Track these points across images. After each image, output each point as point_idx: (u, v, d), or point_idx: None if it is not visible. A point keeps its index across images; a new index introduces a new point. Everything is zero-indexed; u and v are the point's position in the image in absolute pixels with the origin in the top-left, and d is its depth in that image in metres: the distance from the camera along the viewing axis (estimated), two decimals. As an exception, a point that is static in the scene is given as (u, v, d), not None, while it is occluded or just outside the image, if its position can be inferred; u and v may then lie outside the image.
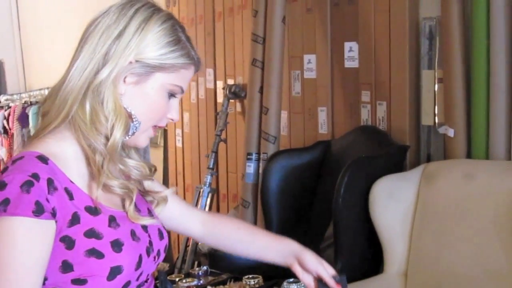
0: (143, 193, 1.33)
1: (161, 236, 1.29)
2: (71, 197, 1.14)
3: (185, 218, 1.52)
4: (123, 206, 1.24)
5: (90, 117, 1.17)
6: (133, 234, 1.21)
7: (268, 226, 3.23)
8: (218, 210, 4.12)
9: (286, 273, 2.45)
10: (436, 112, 2.96)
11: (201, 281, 2.37)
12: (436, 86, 2.94)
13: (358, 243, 2.81)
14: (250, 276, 2.42)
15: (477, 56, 2.73)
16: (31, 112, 5.30)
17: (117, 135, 1.18)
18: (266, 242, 1.52)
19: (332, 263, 2.76)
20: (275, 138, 3.37)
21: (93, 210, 1.17)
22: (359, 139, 3.15)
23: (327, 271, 1.44)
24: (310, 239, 3.14)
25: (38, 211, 1.08)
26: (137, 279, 1.21)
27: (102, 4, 1.26)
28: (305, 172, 3.27)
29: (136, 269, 1.19)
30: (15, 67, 6.39)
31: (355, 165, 2.77)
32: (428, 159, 3.00)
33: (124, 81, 1.20)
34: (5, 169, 1.13)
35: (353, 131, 3.23)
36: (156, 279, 1.32)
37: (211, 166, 3.78)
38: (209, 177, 3.75)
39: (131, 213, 1.23)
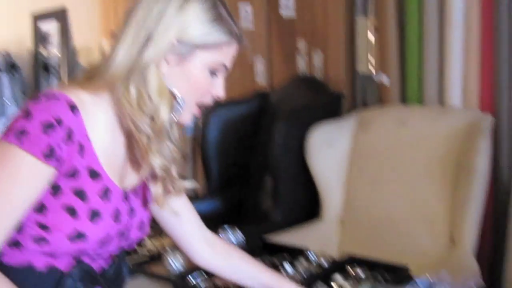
0: (163, 178, 1.29)
1: (141, 228, 1.29)
2: (81, 153, 1.14)
3: (192, 230, 1.47)
4: (123, 180, 1.24)
5: (136, 98, 1.17)
6: (117, 214, 1.21)
7: (208, 178, 3.23)
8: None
9: (229, 222, 2.48)
10: (371, 60, 2.98)
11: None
12: (371, 35, 2.96)
13: (296, 191, 2.84)
14: None
15: (410, 5, 2.75)
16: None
17: (163, 115, 1.17)
18: (270, 281, 1.49)
19: (271, 212, 2.81)
20: (213, 90, 3.35)
21: (94, 174, 1.17)
22: (296, 89, 3.16)
23: None
24: (250, 189, 3.17)
25: (49, 155, 1.09)
26: (96, 254, 1.22)
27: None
28: (244, 124, 3.28)
29: (100, 246, 1.19)
30: None
31: (291, 115, 2.79)
32: (364, 107, 3.04)
33: (167, 61, 1.19)
34: (38, 99, 1.13)
35: (291, 81, 3.24)
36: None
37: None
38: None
39: (158, 196, 1.26)
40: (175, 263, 2.08)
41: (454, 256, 2.35)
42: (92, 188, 1.16)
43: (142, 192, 1.31)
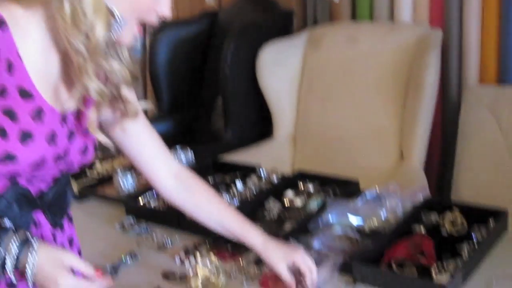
0: (113, 99, 1.19)
1: (84, 153, 1.22)
2: (10, 71, 1.07)
3: (157, 159, 1.38)
4: (62, 102, 1.16)
5: (70, 13, 1.06)
6: (52, 136, 1.14)
7: (159, 100, 3.19)
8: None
9: (181, 144, 2.46)
10: (321, -24, 2.92)
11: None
12: (322, -51, 2.89)
13: (247, 110, 2.83)
14: None
15: None
16: None
17: (98, 33, 1.07)
18: (233, 227, 1.40)
19: (223, 132, 2.80)
20: (160, 10, 3.25)
21: (25, 94, 1.09)
22: (246, 8, 3.10)
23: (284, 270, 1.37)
24: (201, 110, 3.14)
25: None
26: (33, 176, 1.16)
27: None
28: (192, 44, 3.21)
29: (35, 169, 1.13)
30: None
31: (240, 34, 2.74)
32: (315, 25, 3.00)
33: None
34: None
35: (240, 0, 3.16)
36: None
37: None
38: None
39: (91, 123, 1.17)
40: (125, 184, 2.07)
41: (403, 170, 2.40)
42: (22, 108, 1.09)
43: (85, 115, 1.22)
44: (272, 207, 1.88)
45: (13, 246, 1.07)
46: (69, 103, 1.17)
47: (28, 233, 1.10)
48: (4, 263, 1.07)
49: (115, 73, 1.15)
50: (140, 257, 1.70)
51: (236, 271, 1.58)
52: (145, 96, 3.35)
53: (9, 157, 1.08)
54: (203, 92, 3.17)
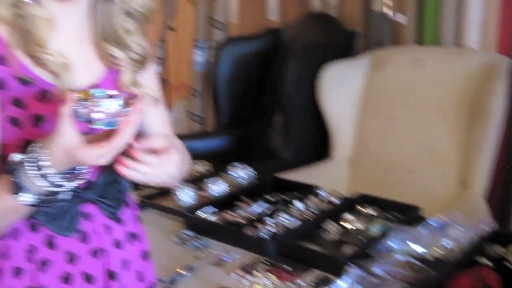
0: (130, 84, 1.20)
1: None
2: (2, 62, 1.07)
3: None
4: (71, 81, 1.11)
5: None
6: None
7: (218, 114, 3.21)
8: (167, 100, 4.07)
9: (238, 159, 2.47)
10: (387, -2, 2.91)
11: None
12: (389, -29, 2.88)
13: (307, 130, 2.81)
14: (197, 161, 2.42)
15: None
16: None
17: None
18: None
19: (281, 149, 2.80)
20: (224, 25, 3.29)
21: (24, 80, 1.09)
22: (309, 26, 3.10)
23: None
24: (260, 126, 3.15)
25: None
26: None
27: None
28: (255, 60, 3.23)
29: None
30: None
31: (303, 52, 2.74)
32: (379, 46, 2.98)
33: None
34: None
35: (304, 18, 3.16)
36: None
37: (159, 56, 3.69)
38: (157, 67, 3.67)
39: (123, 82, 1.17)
40: (185, 197, 2.08)
41: (464, 198, 2.34)
42: (26, 94, 1.08)
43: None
44: (331, 228, 1.86)
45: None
46: (84, 80, 1.15)
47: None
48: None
49: (135, 48, 1.17)
50: (197, 271, 1.70)
51: (294, 291, 1.56)
52: (205, 111, 3.37)
53: (29, 144, 1.04)
54: (263, 109, 3.17)
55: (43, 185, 0.99)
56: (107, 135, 0.98)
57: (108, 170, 1.19)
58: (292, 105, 2.74)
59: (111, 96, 0.96)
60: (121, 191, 1.22)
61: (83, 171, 1.02)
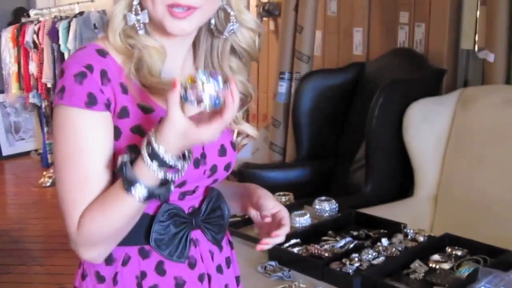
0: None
1: (222, 153, 1.21)
2: (124, 92, 1.12)
3: None
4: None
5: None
6: None
7: (299, 146, 3.22)
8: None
9: (317, 192, 2.48)
10: (476, 36, 2.87)
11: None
12: (479, 9, 2.84)
13: (389, 165, 2.79)
14: (281, 193, 2.42)
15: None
16: (61, 27, 5.28)
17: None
18: (236, 190, 1.34)
19: (362, 184, 2.77)
20: (309, 58, 3.32)
21: (145, 108, 1.13)
22: (394, 62, 3.09)
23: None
24: (340, 160, 3.14)
25: (91, 102, 1.07)
26: (179, 186, 1.15)
27: None
28: (337, 93, 3.23)
29: (179, 184, 1.13)
30: (45, -19, 6.34)
31: (390, 87, 2.72)
32: (466, 84, 2.94)
33: None
34: (70, 56, 1.13)
35: (389, 53, 3.16)
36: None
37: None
38: (239, 96, 3.72)
39: None
40: (269, 227, 2.08)
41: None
42: (147, 122, 1.12)
43: None
44: (418, 267, 1.83)
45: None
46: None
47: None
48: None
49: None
50: (282, 302, 1.70)
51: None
52: (285, 141, 3.39)
53: None
54: (344, 142, 3.17)
55: (157, 175, 1.02)
56: (212, 113, 1.02)
57: (212, 197, 1.22)
58: (376, 140, 2.72)
59: (211, 75, 1.00)
60: (223, 217, 1.24)
61: (192, 153, 1.07)
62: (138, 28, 1.13)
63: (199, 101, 1.01)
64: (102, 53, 1.11)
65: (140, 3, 1.13)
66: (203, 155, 1.18)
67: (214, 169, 1.20)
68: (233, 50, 1.23)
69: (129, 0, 1.13)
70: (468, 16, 2.90)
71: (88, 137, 1.08)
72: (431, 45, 3.03)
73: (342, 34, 3.48)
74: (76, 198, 1.06)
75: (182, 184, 1.15)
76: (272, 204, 1.23)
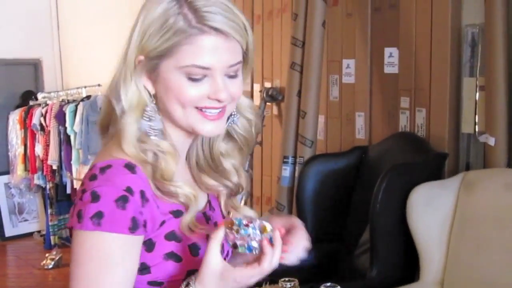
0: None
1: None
2: (158, 205, 1.12)
3: None
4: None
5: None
6: (208, 237, 1.17)
7: (303, 230, 3.22)
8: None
9: (322, 276, 2.46)
10: (476, 120, 2.92)
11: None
12: (477, 93, 2.91)
13: (394, 250, 2.78)
14: (286, 279, 2.40)
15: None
16: (68, 110, 5.37)
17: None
18: None
19: (367, 269, 2.76)
20: (312, 142, 3.37)
21: (175, 212, 1.14)
22: (397, 146, 3.13)
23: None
24: (345, 244, 3.13)
25: (134, 227, 1.05)
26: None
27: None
28: (341, 177, 3.26)
29: None
30: (52, 65, 6.49)
31: (393, 171, 2.75)
32: (467, 168, 2.97)
33: (148, 78, 1.14)
34: (93, 176, 1.09)
35: (391, 137, 3.21)
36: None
37: (246, 169, 3.78)
38: (244, 179, 3.75)
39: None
40: None
41: None
42: (179, 226, 1.13)
43: (215, 206, 1.29)
44: None
45: None
46: (202, 201, 1.24)
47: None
48: None
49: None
50: None
51: None
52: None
53: (192, 273, 1.11)
54: (348, 226, 3.17)
55: None
56: (255, 258, 1.06)
57: None
58: (380, 224, 2.72)
59: (247, 224, 1.07)
60: None
61: None
62: (150, 134, 1.13)
63: (235, 246, 1.08)
64: (131, 168, 1.10)
65: (154, 109, 1.14)
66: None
67: None
68: (228, 134, 1.26)
69: (141, 108, 1.13)
70: (467, 101, 2.96)
71: (119, 263, 1.06)
72: (432, 130, 3.08)
73: (344, 119, 3.54)
74: None
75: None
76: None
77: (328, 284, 2.23)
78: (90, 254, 1.05)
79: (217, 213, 1.28)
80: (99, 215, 1.04)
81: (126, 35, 1.15)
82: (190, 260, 1.14)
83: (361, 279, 2.76)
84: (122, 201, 1.05)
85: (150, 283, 1.13)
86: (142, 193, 1.08)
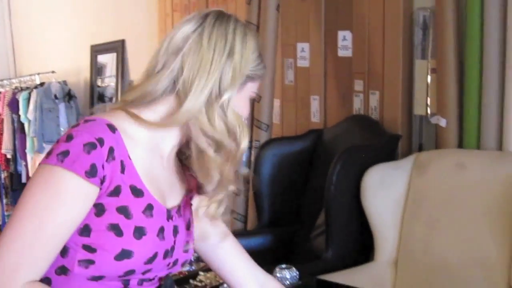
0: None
1: (186, 250, 1.30)
2: (122, 170, 1.16)
3: (242, 270, 1.46)
4: (165, 200, 1.26)
5: (220, 126, 1.22)
6: (161, 231, 1.21)
7: (260, 214, 3.24)
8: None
9: (279, 259, 2.48)
10: (428, 102, 2.97)
11: (193, 267, 2.38)
12: (429, 76, 2.95)
13: (349, 231, 2.82)
14: (283, 266, 2.40)
15: (470, 47, 2.73)
16: (21, 98, 5.27)
17: (245, 142, 1.25)
18: None
19: (323, 251, 2.79)
20: (268, 126, 3.38)
21: (136, 191, 1.18)
22: (351, 128, 3.16)
23: None
24: (301, 227, 3.16)
25: (91, 173, 1.10)
26: (143, 273, 1.20)
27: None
28: (297, 161, 3.28)
29: (146, 263, 1.18)
30: (5, 52, 6.35)
31: (347, 154, 2.78)
32: (420, 149, 3.02)
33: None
34: (77, 124, 1.17)
35: (345, 120, 3.24)
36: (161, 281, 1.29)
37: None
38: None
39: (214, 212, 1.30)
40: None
41: (512, 306, 2.30)
42: (135, 205, 1.17)
43: (184, 214, 1.32)
44: (378, 335, 1.84)
45: None
46: (171, 202, 1.27)
47: None
48: None
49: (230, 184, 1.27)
50: None
51: None
52: (246, 209, 3.41)
53: (126, 254, 1.14)
54: (304, 209, 3.20)
55: None
56: None
57: (167, 285, 1.28)
58: (335, 206, 2.75)
59: None
60: None
61: None
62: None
63: None
64: (112, 128, 1.16)
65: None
66: (173, 248, 1.23)
67: (175, 262, 1.27)
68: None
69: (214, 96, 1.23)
70: (419, 83, 3.00)
71: (69, 204, 1.10)
72: (386, 112, 3.12)
73: (299, 102, 3.56)
74: (23, 261, 1.07)
75: (146, 271, 1.18)
76: None
77: (284, 265, 2.27)
78: (45, 186, 1.10)
79: (181, 220, 1.31)
80: (65, 153, 1.10)
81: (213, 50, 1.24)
82: (129, 239, 1.15)
83: (317, 261, 2.79)
84: (90, 146, 1.11)
85: (84, 246, 1.14)
86: (111, 150, 1.14)
